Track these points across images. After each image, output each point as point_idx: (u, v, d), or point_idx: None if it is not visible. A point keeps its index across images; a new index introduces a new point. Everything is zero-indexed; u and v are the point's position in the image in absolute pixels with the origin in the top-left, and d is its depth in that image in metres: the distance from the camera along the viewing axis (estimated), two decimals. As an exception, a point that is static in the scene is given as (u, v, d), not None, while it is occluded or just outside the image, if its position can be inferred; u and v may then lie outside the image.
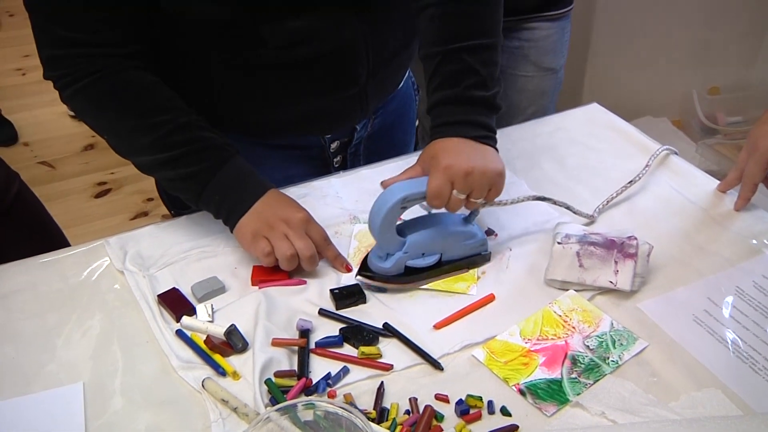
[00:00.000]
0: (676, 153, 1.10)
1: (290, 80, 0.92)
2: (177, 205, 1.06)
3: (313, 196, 1.01)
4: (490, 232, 0.94)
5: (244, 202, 0.86)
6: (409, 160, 1.09)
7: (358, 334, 0.78)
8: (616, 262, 0.84)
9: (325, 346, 0.78)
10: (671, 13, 2.56)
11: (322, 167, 1.09)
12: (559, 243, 0.86)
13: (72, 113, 2.68)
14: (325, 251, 0.88)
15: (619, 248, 0.85)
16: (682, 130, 2.73)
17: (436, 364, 0.75)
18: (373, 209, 0.83)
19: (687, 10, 2.57)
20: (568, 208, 0.95)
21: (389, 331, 0.79)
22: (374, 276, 0.84)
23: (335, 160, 1.09)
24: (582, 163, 1.09)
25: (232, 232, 0.88)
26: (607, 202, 0.99)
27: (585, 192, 1.02)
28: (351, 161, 1.12)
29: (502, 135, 1.17)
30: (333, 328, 0.80)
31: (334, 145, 1.07)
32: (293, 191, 1.02)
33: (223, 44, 0.88)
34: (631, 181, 1.02)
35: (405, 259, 0.84)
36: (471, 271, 0.88)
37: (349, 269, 0.88)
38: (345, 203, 1.00)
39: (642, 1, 2.43)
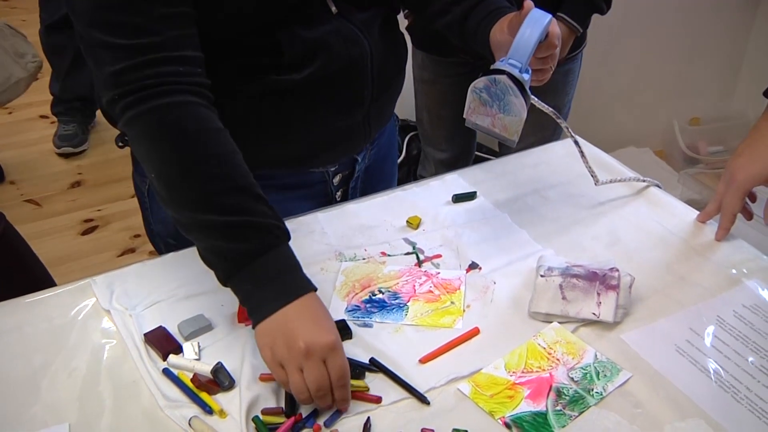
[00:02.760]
0: (658, 186, 1.12)
1: (303, 102, 0.94)
2: (164, 245, 1.07)
3: (301, 232, 1.02)
4: (474, 266, 0.96)
5: (274, 301, 0.75)
6: (392, 195, 1.11)
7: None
8: (598, 294, 0.86)
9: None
10: (651, 46, 2.62)
11: (325, 204, 1.10)
12: (542, 276, 0.88)
13: (60, 151, 2.69)
14: (336, 390, 0.74)
15: (601, 280, 0.87)
16: (665, 159, 2.77)
17: (422, 399, 0.76)
18: (526, 32, 0.83)
19: (667, 44, 2.64)
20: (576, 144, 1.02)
21: (375, 366, 0.80)
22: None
23: (337, 194, 1.11)
24: (565, 198, 1.11)
25: (254, 327, 0.77)
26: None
27: (567, 224, 1.04)
28: (351, 195, 1.14)
29: (484, 169, 1.20)
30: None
31: (336, 180, 1.09)
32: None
33: (243, 56, 0.88)
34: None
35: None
36: (457, 304, 0.89)
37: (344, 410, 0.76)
38: (330, 239, 1.02)
39: (623, 34, 2.49)
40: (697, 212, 1.05)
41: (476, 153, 2.14)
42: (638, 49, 2.60)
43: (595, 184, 1.08)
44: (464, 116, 0.92)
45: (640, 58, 2.63)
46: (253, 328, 0.76)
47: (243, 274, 0.76)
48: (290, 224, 1.03)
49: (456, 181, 1.15)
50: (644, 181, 1.13)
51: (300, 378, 0.72)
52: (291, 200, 1.06)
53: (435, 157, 1.86)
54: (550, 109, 0.98)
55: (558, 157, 1.22)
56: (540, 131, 1.63)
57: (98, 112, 2.85)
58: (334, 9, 0.91)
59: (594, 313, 0.85)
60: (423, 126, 1.86)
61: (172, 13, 0.79)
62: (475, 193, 1.11)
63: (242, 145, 0.84)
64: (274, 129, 0.96)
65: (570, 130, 1.02)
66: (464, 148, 1.87)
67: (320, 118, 0.97)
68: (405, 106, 0.93)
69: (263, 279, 0.76)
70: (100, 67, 0.79)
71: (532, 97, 0.90)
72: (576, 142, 1.04)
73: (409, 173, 2.19)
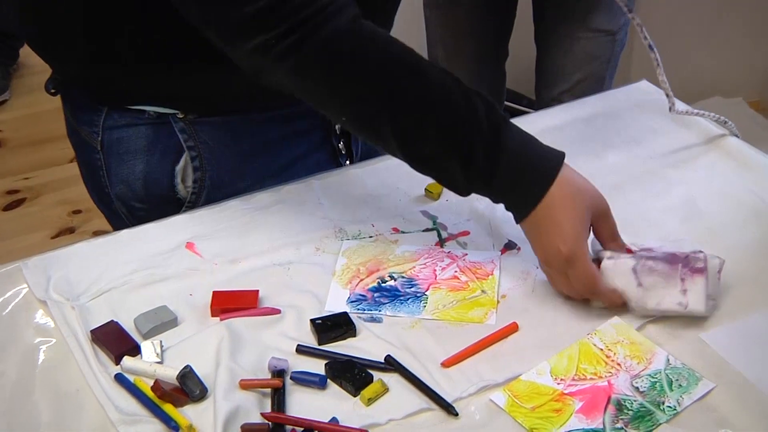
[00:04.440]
0: (737, 135, 1.14)
1: None
2: (128, 211, 1.09)
3: (289, 203, 1.04)
4: (510, 246, 0.97)
5: (537, 185, 0.88)
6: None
7: (349, 371, 0.81)
8: (682, 280, 0.87)
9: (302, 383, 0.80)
10: None
11: (325, 138, 1.14)
12: (609, 258, 0.89)
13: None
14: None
15: (684, 263, 0.87)
16: (762, 113, 2.76)
17: (449, 409, 0.78)
18: None
19: None
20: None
21: (391, 365, 0.82)
22: None
23: (337, 127, 1.15)
24: (628, 160, 1.12)
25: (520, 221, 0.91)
26: None
27: (634, 194, 1.05)
28: (354, 145, 1.18)
29: (526, 122, 1.20)
30: (315, 368, 0.82)
31: (337, 127, 1.13)
32: (261, 198, 1.05)
33: None
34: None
35: None
36: (489, 293, 0.91)
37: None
38: (328, 211, 1.03)
39: None
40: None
41: (506, 103, 2.14)
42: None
43: (670, 110, 1.11)
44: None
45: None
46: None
47: (502, 167, 0.87)
48: (273, 194, 1.05)
49: (489, 138, 1.16)
50: (730, 130, 1.14)
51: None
52: (290, 135, 1.10)
53: None
54: None
55: (618, 106, 1.23)
56: (587, 64, 1.63)
57: (22, 51, 2.86)
58: None
59: (680, 303, 0.86)
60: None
61: None
62: (513, 154, 1.12)
63: (237, 75, 0.89)
64: None
65: (645, 29, 1.05)
66: (491, 94, 1.88)
67: None
68: (412, 41, 0.94)
69: (518, 162, 0.88)
70: (230, 8, 0.82)
71: None
72: (651, 47, 1.06)
73: None
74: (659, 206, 1.04)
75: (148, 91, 1.03)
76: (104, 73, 1.01)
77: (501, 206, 1.02)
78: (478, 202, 1.04)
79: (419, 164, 0.91)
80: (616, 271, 0.88)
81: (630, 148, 1.14)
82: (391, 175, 1.09)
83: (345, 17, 0.84)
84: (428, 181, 1.07)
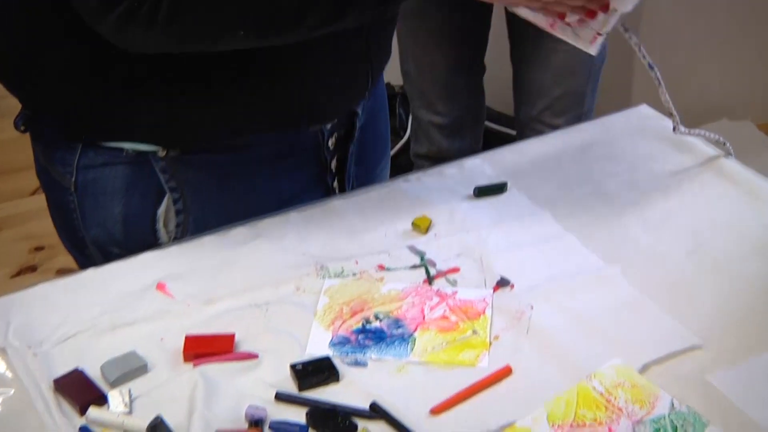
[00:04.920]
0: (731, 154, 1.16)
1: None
2: (103, 256, 1.09)
3: (267, 238, 1.04)
4: (503, 283, 0.98)
5: None
6: (392, 188, 1.14)
7: (332, 419, 0.81)
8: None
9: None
10: None
11: (318, 177, 1.15)
12: None
13: None
14: None
15: None
16: (772, 136, 2.79)
17: (437, 462, 0.78)
18: None
19: None
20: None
21: (377, 412, 0.82)
22: None
23: (332, 163, 1.16)
24: (627, 190, 1.13)
25: None
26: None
27: (635, 228, 1.06)
28: (349, 167, 1.19)
29: (521, 151, 1.22)
30: (295, 416, 0.82)
31: (331, 143, 1.14)
32: (238, 233, 1.05)
33: None
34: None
35: None
36: (481, 334, 0.92)
37: None
38: (309, 247, 1.04)
39: None
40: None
41: (486, 123, 2.14)
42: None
43: (674, 130, 1.15)
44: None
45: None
46: None
47: None
48: (251, 229, 1.06)
49: (479, 167, 1.17)
50: (726, 151, 1.16)
51: None
52: (282, 174, 1.11)
53: (430, 122, 1.88)
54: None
55: (617, 132, 1.24)
56: (566, 78, 1.66)
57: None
58: None
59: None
60: (411, 81, 1.88)
61: None
62: (505, 184, 1.13)
63: (224, 100, 0.92)
64: (260, 71, 1.00)
65: (643, 48, 1.08)
66: (469, 109, 1.90)
67: (312, 52, 1.02)
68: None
69: None
70: None
71: None
72: (651, 66, 1.09)
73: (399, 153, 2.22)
74: (663, 239, 1.05)
75: (128, 121, 1.03)
76: (81, 99, 1.01)
77: (493, 240, 1.04)
78: (468, 235, 1.05)
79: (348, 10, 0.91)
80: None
81: (629, 177, 1.15)
82: (376, 208, 1.10)
83: None
84: (415, 214, 1.08)
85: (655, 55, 1.09)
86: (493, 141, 2.08)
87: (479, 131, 2.05)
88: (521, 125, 1.98)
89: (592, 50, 1.00)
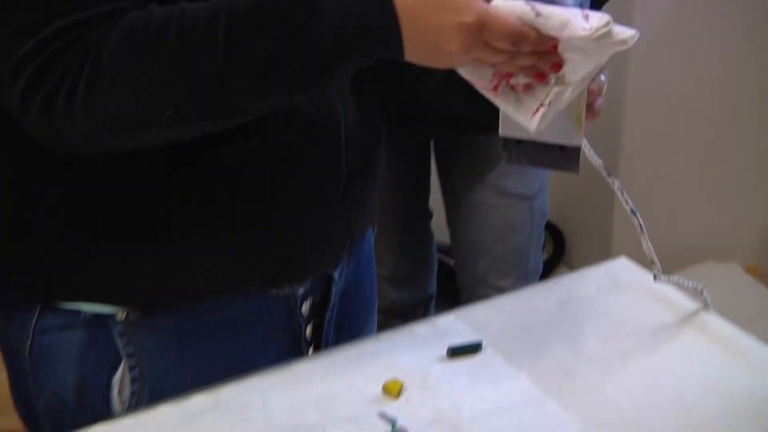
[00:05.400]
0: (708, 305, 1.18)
1: (259, 180, 1.02)
2: (54, 429, 1.09)
3: (228, 408, 1.04)
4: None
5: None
6: (360, 349, 1.15)
7: None
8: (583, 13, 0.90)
9: None
10: (735, 110, 2.65)
11: (293, 345, 1.16)
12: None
13: None
14: None
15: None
16: (762, 280, 2.82)
17: None
18: None
19: (762, 105, 2.67)
20: None
21: None
22: None
23: (306, 331, 1.16)
24: (606, 350, 1.15)
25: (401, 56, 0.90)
26: None
27: (617, 394, 1.08)
28: (326, 336, 1.20)
29: (491, 307, 1.24)
30: None
31: (305, 308, 1.15)
32: (195, 402, 1.05)
33: None
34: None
35: None
36: None
37: None
38: (272, 417, 1.03)
39: (691, 98, 2.56)
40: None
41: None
42: (714, 120, 2.65)
43: (654, 279, 1.18)
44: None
45: (716, 127, 2.67)
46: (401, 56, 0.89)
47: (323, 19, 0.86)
48: (213, 396, 1.05)
49: (452, 325, 1.19)
50: (704, 302, 1.19)
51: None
52: (248, 346, 1.11)
53: (379, 275, 1.92)
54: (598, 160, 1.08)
55: (594, 287, 1.27)
56: (507, 235, 1.71)
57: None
58: None
59: (584, 28, 0.88)
60: None
61: None
62: (480, 344, 1.15)
63: (181, 258, 0.94)
64: (223, 224, 1.03)
65: (625, 193, 1.11)
66: (419, 255, 1.93)
67: (282, 202, 1.04)
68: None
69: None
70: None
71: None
72: (633, 212, 1.12)
73: None
74: (649, 405, 1.06)
75: (90, 277, 1.04)
76: (42, 253, 1.03)
77: (468, 406, 1.05)
78: (443, 400, 1.06)
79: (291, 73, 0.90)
80: (509, 7, 0.90)
81: (608, 335, 1.18)
82: (345, 370, 1.10)
83: (110, 27, 0.86)
84: (386, 377, 1.09)
85: (637, 198, 1.14)
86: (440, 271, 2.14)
87: (431, 279, 2.07)
88: (466, 290, 2.00)
89: (532, 125, 0.95)
